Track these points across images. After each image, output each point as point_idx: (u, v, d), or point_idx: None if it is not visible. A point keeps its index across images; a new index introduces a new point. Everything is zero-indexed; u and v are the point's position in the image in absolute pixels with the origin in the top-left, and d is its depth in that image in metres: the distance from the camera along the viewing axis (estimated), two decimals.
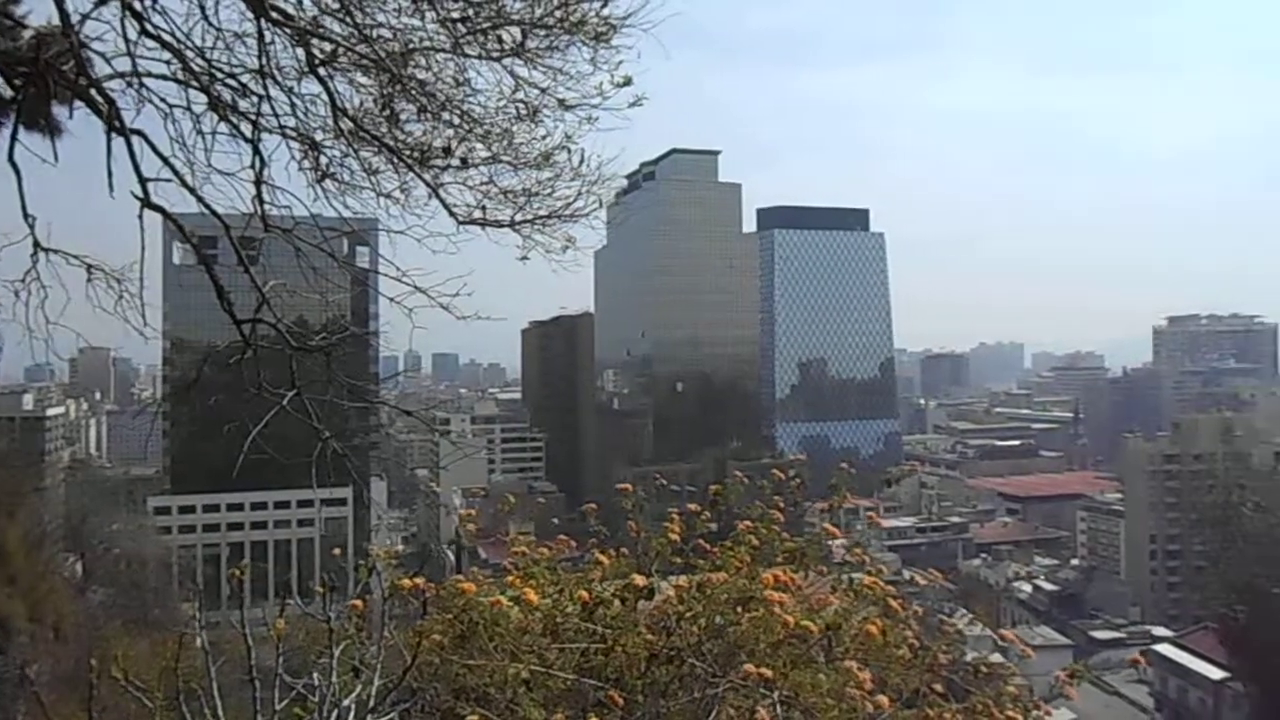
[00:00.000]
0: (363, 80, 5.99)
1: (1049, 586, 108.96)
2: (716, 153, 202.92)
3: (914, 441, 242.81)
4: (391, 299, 6.83)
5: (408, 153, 6.28)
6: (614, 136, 6.17)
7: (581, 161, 6.21)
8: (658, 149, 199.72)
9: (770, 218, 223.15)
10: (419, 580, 5.07)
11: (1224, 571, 30.27)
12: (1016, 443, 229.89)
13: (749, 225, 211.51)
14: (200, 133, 5.75)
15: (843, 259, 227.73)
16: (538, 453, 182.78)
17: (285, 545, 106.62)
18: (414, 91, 6.03)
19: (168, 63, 5.51)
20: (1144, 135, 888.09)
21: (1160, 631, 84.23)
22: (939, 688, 4.83)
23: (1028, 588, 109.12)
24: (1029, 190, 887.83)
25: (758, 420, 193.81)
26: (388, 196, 6.47)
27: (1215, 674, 51.76)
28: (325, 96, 5.83)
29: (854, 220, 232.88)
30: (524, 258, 6.55)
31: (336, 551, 60.91)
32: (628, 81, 5.47)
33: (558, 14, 5.39)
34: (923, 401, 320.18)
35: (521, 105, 6.06)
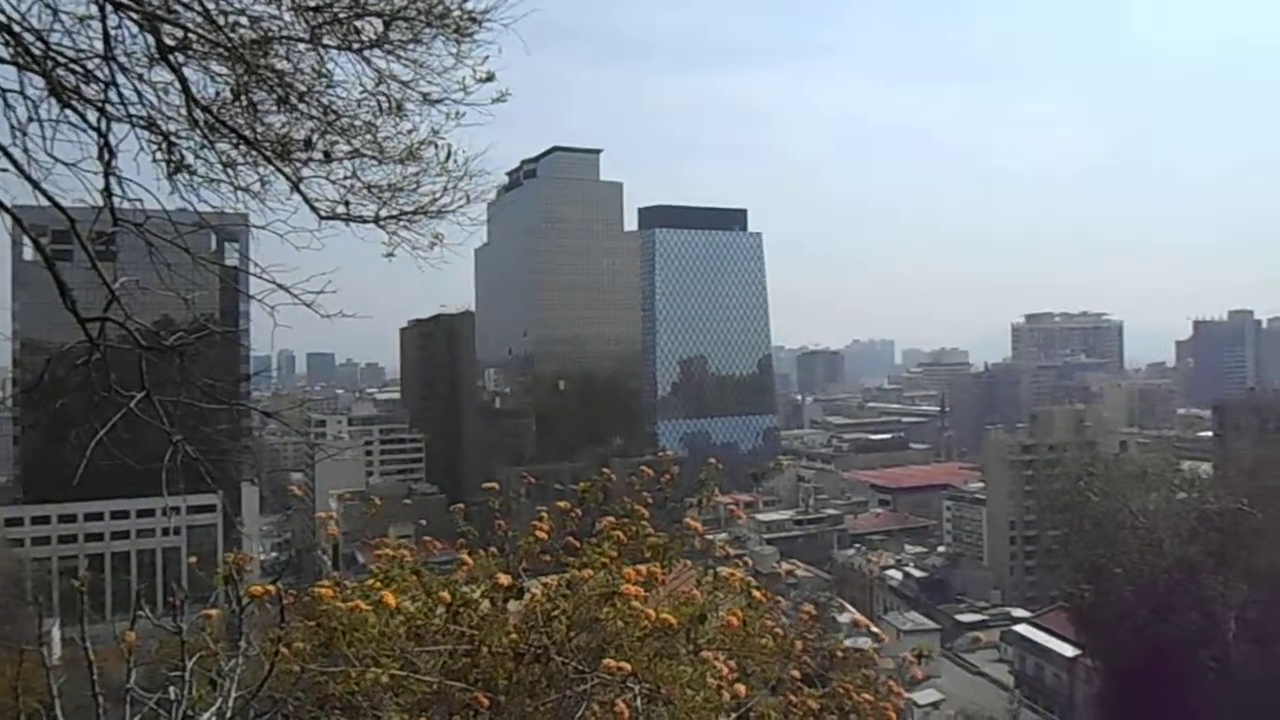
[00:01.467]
0: (218, 69, 5.75)
1: (918, 573, 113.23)
2: (598, 151, 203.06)
3: (791, 436, 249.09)
4: (251, 296, 6.59)
5: (267, 145, 6.06)
6: (483, 132, 6.12)
7: (449, 157, 6.13)
8: (541, 146, 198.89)
9: (651, 217, 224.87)
10: (271, 587, 4.89)
11: (1072, 554, 32.17)
12: (888, 436, 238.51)
13: (630, 224, 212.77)
14: (39, 120, 5.42)
15: (722, 258, 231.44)
16: (418, 454, 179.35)
17: (149, 555, 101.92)
18: (272, 82, 5.83)
19: (5, 44, 5.17)
20: (999, 143, 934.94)
21: (1019, 613, 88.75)
22: (797, 674, 4.96)
23: (898, 575, 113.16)
24: (898, 194, 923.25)
25: (640, 418, 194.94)
26: (245, 190, 6.24)
27: (1068, 651, 54.54)
28: (178, 85, 5.59)
29: (733, 220, 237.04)
30: (390, 254, 6.43)
31: (193, 560, 58.22)
32: (490, 77, 5.44)
33: (419, 5, 5.31)
34: (799, 397, 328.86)
35: (384, 99, 5.94)
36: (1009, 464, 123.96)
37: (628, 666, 4.18)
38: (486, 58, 5.65)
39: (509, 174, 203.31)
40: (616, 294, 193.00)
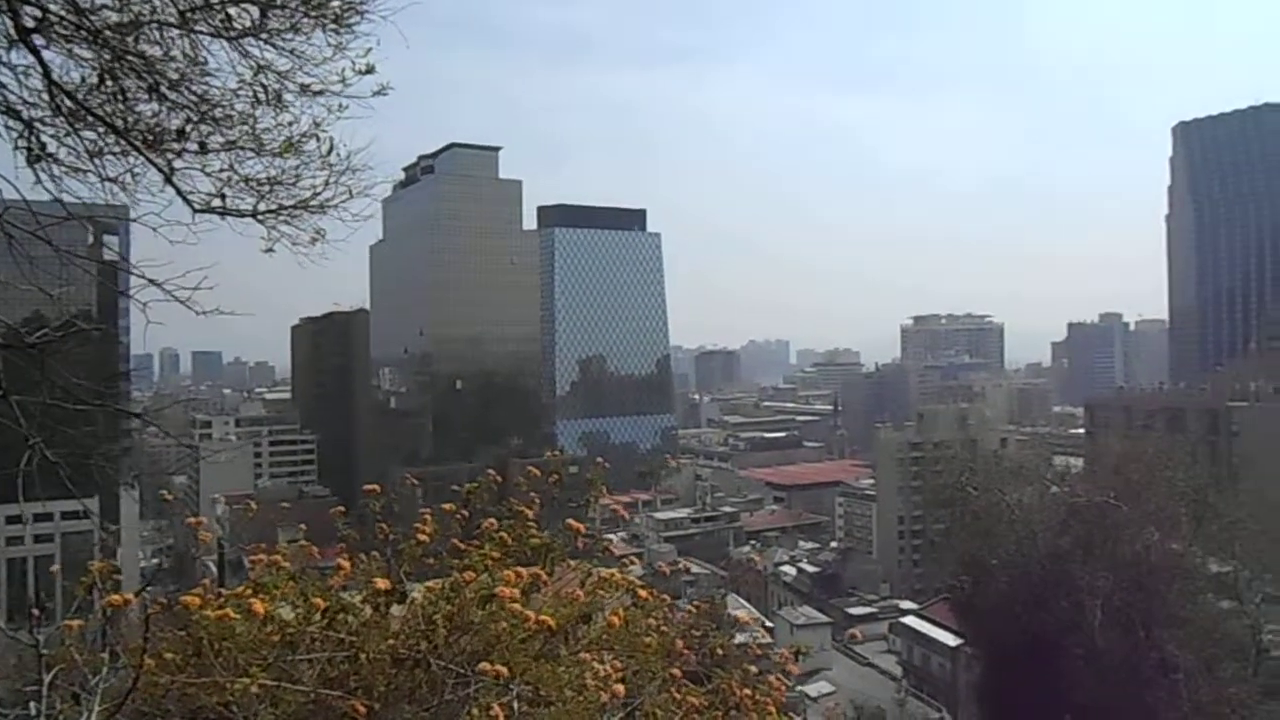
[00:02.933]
0: (82, 53, 5.49)
1: (811, 568, 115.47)
2: (497, 149, 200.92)
3: (689, 435, 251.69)
4: (122, 292, 6.32)
5: (137, 135, 5.81)
6: (375, 127, 5.99)
7: (330, 150, 5.97)
8: (438, 142, 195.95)
9: (550, 216, 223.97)
10: (131, 596, 4.68)
11: (953, 546, 33.55)
12: (783, 435, 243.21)
13: (529, 223, 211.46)
14: None
15: (621, 258, 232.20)
16: (309, 455, 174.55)
17: (20, 564, 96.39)
18: (141, 69, 5.60)
19: None
20: (895, 149, 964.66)
21: (906, 604, 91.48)
22: (678, 672, 5.02)
23: (792, 571, 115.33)
24: (795, 196, 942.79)
25: (539, 417, 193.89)
26: (114, 181, 5.97)
27: (951, 640, 56.53)
28: (39, 68, 5.32)
29: (632, 220, 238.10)
30: (269, 250, 6.24)
31: (54, 569, 55.17)
32: (370, 70, 5.34)
33: None
34: (697, 397, 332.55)
35: (262, 89, 5.76)
36: (897, 461, 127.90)
37: (505, 670, 4.16)
38: (369, 50, 5.55)
39: (405, 170, 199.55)
40: (515, 293, 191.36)
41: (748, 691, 5.17)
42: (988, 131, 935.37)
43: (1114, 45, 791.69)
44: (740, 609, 74.57)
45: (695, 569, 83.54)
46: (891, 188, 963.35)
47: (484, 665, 4.18)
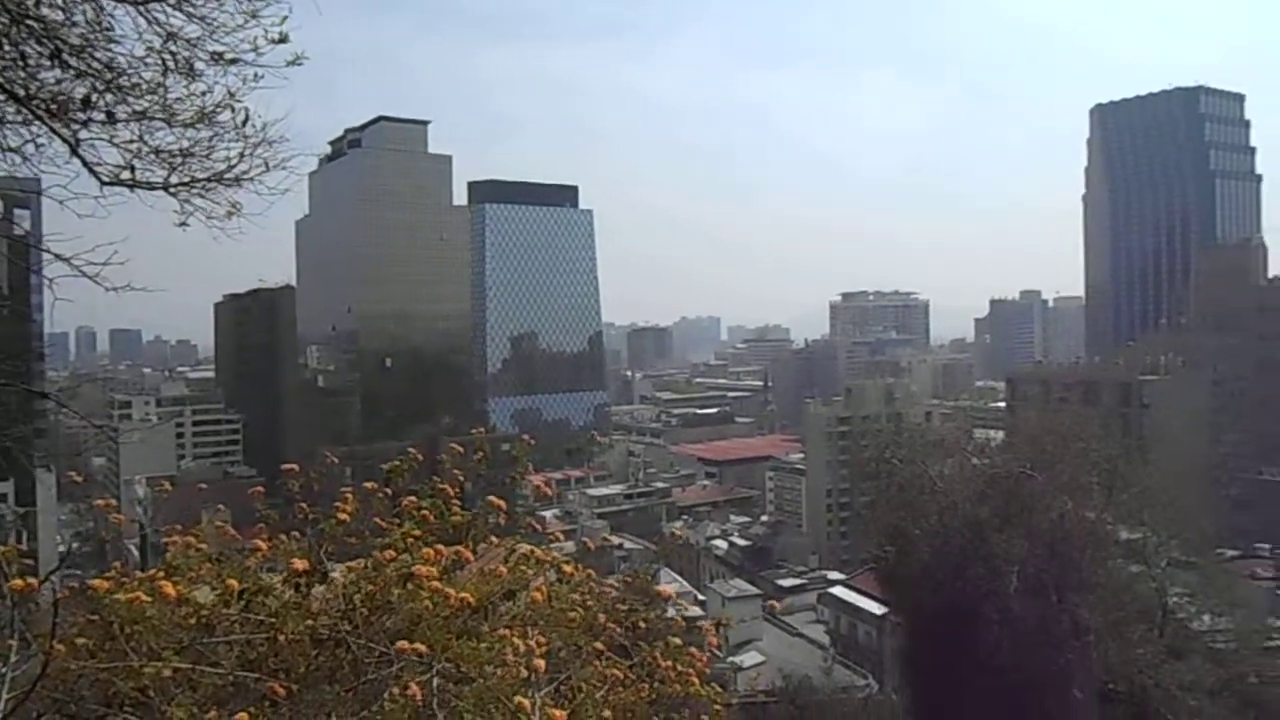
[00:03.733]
0: None
1: (742, 542, 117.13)
2: (426, 123, 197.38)
3: (622, 412, 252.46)
4: (30, 268, 6.15)
5: (40, 103, 5.62)
6: (298, 98, 5.87)
7: (245, 121, 5.84)
8: (365, 115, 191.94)
9: (481, 191, 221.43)
10: (34, 580, 4.55)
11: (878, 518, 34.45)
12: (714, 410, 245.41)
13: (460, 198, 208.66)
14: None
15: (553, 235, 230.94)
16: (234, 435, 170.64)
17: None
18: (41, 34, 5.41)
19: None
20: (827, 127, 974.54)
21: (834, 575, 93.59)
22: (601, 646, 5.08)
23: (724, 544, 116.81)
24: (728, 175, 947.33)
25: (470, 395, 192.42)
26: (16, 152, 5.77)
27: (877, 609, 57.96)
28: None
29: (564, 197, 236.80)
30: (183, 224, 6.09)
31: None
32: (284, 38, 5.23)
33: None
34: (629, 373, 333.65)
35: (171, 57, 5.60)
36: (826, 435, 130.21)
37: (422, 647, 4.17)
38: (284, 18, 5.44)
39: (332, 143, 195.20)
40: (445, 269, 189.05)
41: (669, 663, 5.27)
42: (916, 112, 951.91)
43: (1043, 24, 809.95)
44: (672, 583, 75.33)
45: (628, 544, 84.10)
46: (821, 167, 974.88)
47: (402, 644, 4.19)
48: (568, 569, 5.56)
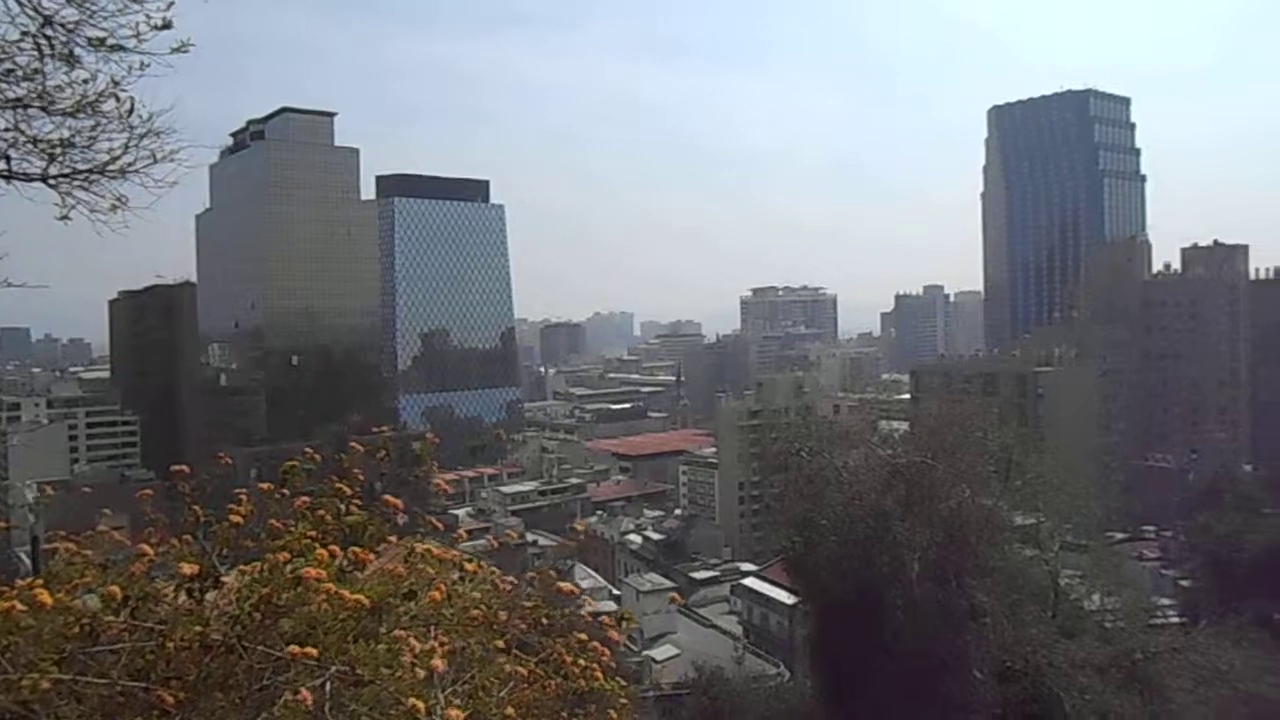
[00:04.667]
0: None
1: (656, 536, 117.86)
2: (332, 114, 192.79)
3: (535, 408, 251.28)
4: None
5: None
6: (173, 86, 5.68)
7: (131, 111, 5.64)
8: (277, 105, 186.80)
9: (390, 185, 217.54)
10: None
11: (787, 509, 35.23)
12: (628, 406, 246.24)
13: (368, 192, 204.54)
14: None
15: (464, 229, 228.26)
16: (131, 437, 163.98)
17: None
18: None
19: None
20: (734, 123, 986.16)
21: (747, 567, 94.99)
22: (502, 644, 5.09)
23: (638, 539, 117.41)
24: (639, 170, 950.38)
25: (380, 393, 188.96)
26: None
27: (788, 599, 59.07)
28: None
29: (475, 191, 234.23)
30: (64, 217, 5.86)
31: None
32: (167, 25, 5.07)
33: None
34: (543, 369, 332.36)
35: (48, 41, 5.38)
36: (737, 429, 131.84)
37: (313, 652, 4.12)
38: (171, 4, 5.28)
39: (234, 135, 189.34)
40: (353, 264, 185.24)
41: (568, 658, 5.31)
42: (823, 111, 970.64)
43: (942, 29, 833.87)
44: (587, 578, 75.29)
45: (542, 541, 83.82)
46: (732, 163, 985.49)
47: (293, 649, 4.13)
48: (470, 567, 5.53)
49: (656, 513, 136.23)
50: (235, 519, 5.11)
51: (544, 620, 5.41)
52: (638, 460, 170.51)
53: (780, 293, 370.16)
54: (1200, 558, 61.55)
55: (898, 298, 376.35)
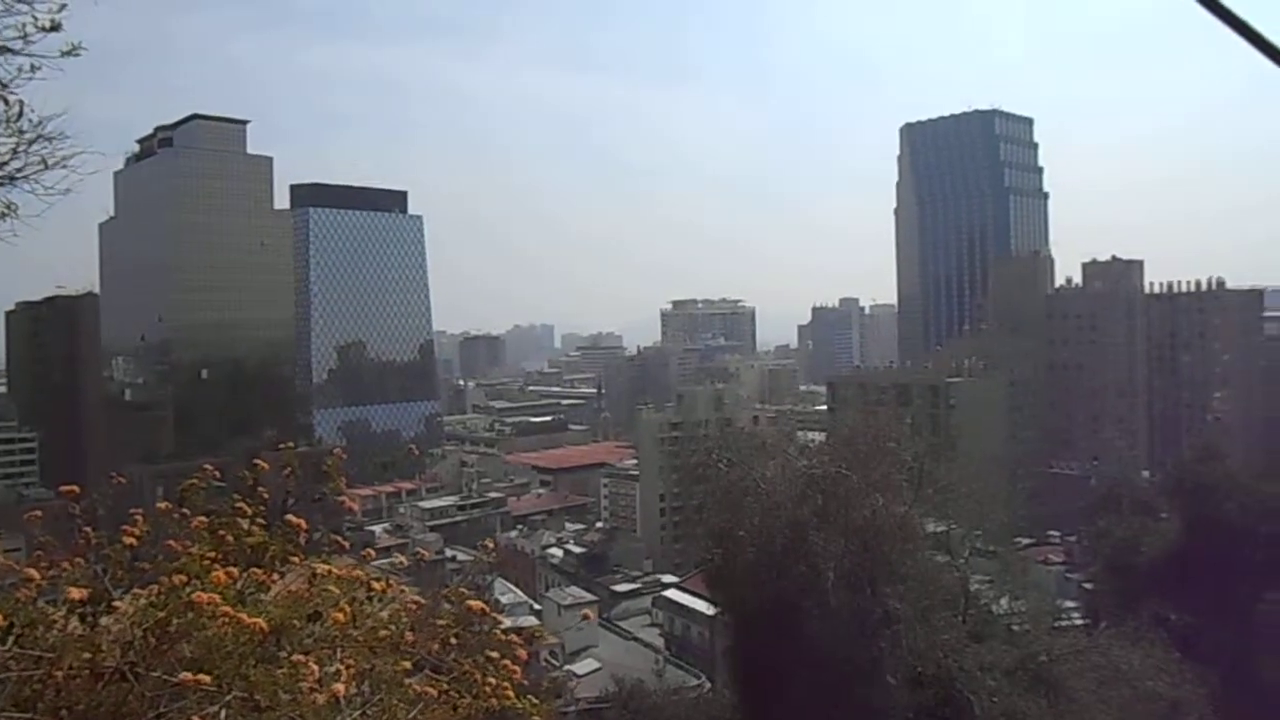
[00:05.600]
0: None
1: (577, 550, 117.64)
2: (245, 122, 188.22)
3: (454, 422, 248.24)
4: None
5: None
6: (68, 90, 5.49)
7: (20, 115, 5.43)
8: (179, 113, 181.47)
9: (305, 195, 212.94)
10: None
11: (706, 520, 35.50)
12: (548, 419, 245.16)
13: (282, 202, 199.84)
14: None
15: (381, 240, 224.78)
16: (29, 454, 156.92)
17: None
18: None
19: None
20: (655, 138, 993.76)
21: (668, 579, 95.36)
22: (408, 665, 5.00)
23: (559, 552, 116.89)
24: (561, 183, 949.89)
25: (293, 407, 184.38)
26: None
27: (709, 610, 59.36)
28: None
29: (392, 202, 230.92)
30: None
31: None
32: (55, 27, 4.90)
33: None
34: (462, 382, 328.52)
35: None
36: (658, 441, 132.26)
37: (206, 678, 4.00)
38: (63, 6, 5.10)
39: (140, 141, 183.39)
40: (266, 276, 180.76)
41: (481, 676, 5.25)
42: (742, 126, 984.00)
43: (861, 44, 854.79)
44: (507, 594, 74.30)
45: (461, 556, 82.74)
46: (652, 176, 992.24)
47: (185, 675, 4.00)
48: (379, 586, 5.44)
49: (578, 526, 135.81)
50: (129, 540, 4.94)
51: (453, 639, 5.35)
52: (558, 473, 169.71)
53: (700, 305, 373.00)
54: (1101, 561, 63.88)
55: (814, 310, 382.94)
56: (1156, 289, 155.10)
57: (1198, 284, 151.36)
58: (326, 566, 4.90)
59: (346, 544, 5.54)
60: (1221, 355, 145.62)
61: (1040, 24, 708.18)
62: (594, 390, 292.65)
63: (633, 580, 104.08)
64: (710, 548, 33.85)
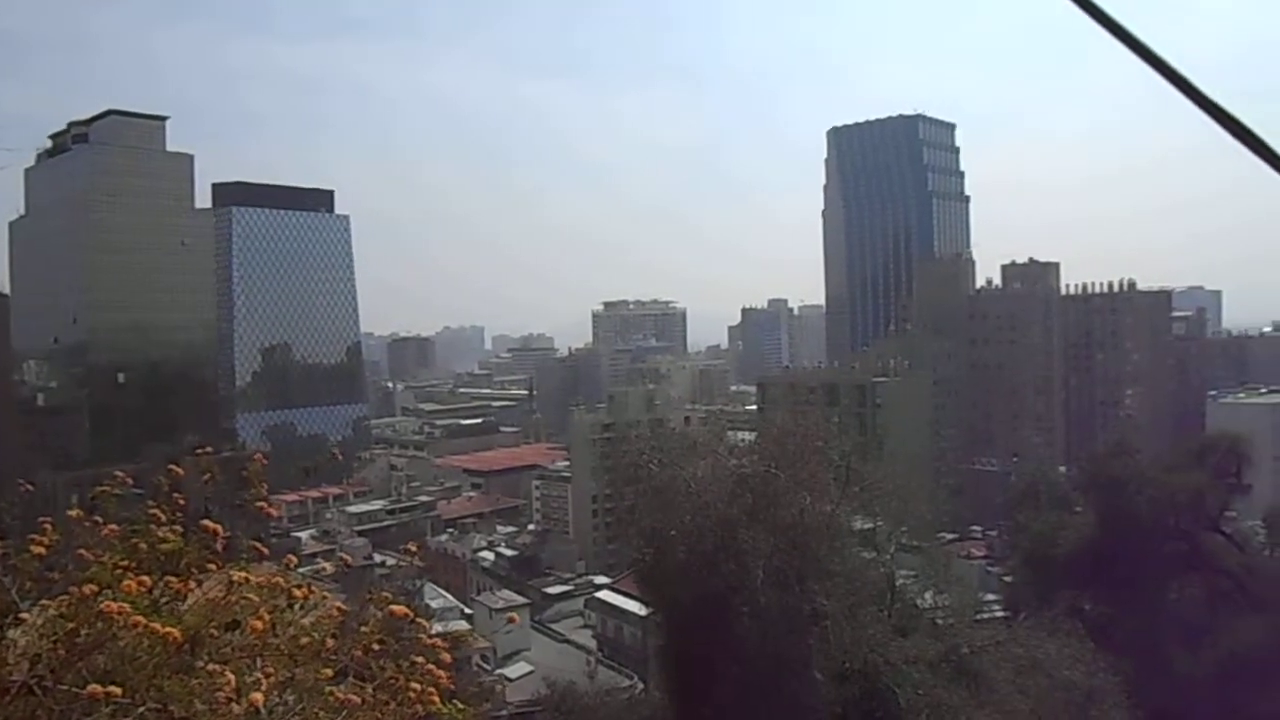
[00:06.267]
0: None
1: (509, 552, 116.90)
2: (164, 118, 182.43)
3: (383, 425, 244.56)
4: None
5: None
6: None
7: None
8: (94, 108, 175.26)
9: (227, 194, 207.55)
10: None
11: (637, 521, 35.65)
12: (479, 421, 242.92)
13: (203, 201, 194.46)
14: None
15: (307, 241, 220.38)
16: None
17: None
18: None
19: None
20: (590, 138, 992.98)
21: (601, 580, 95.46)
22: (329, 672, 4.95)
23: (491, 556, 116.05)
24: (488, 183, 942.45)
25: (216, 411, 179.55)
26: None
27: (641, 610, 59.53)
28: None
29: (318, 201, 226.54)
30: None
31: None
32: None
33: None
34: (390, 385, 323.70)
35: None
36: (590, 442, 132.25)
37: (116, 690, 3.92)
38: None
39: (53, 137, 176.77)
40: (187, 276, 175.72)
41: (406, 682, 5.22)
42: (661, 129, 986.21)
43: (784, 51, 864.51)
44: (438, 598, 73.39)
45: (390, 561, 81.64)
46: (583, 177, 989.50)
47: (93, 688, 3.92)
48: (299, 593, 5.37)
49: (509, 529, 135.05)
50: (38, 550, 4.81)
51: (376, 645, 5.31)
52: (489, 476, 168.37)
53: (631, 306, 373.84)
54: (1020, 555, 65.58)
55: (744, 311, 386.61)
56: (1072, 290, 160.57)
57: (1110, 285, 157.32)
58: (245, 574, 4.82)
59: (267, 550, 5.46)
60: (1132, 354, 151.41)
61: (962, 25, 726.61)
62: (525, 392, 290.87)
63: (565, 582, 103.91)
64: (642, 548, 34.00)
